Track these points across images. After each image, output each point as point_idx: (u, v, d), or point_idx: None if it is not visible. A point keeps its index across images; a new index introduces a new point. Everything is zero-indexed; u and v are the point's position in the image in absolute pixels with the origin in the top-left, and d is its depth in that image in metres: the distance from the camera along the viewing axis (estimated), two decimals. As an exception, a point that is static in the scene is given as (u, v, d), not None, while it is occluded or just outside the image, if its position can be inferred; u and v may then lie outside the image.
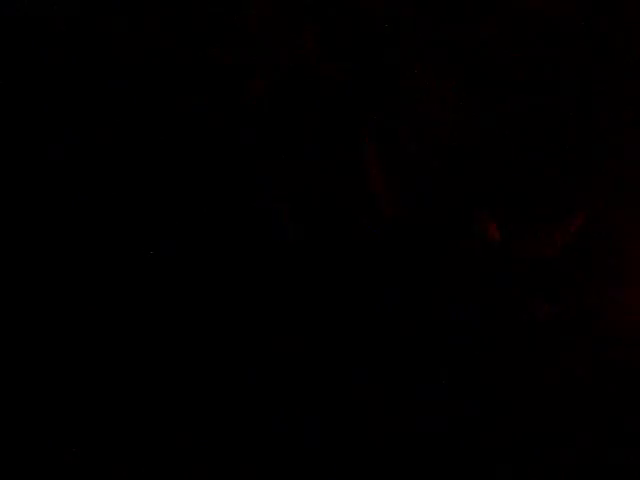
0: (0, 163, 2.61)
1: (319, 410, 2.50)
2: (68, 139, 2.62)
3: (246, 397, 2.51)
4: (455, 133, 2.62)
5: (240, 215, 2.60)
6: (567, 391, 2.49)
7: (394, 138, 2.63)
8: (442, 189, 2.61)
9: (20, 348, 2.52)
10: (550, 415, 2.48)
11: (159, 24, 2.65)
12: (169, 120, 2.62)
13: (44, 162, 2.62)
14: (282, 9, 2.65)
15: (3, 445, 2.45)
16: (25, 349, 2.52)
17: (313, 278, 2.58)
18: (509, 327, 2.53)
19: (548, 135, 2.61)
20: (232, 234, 2.60)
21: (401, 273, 2.58)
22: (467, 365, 2.52)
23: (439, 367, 2.52)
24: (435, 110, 2.63)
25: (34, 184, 2.62)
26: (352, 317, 2.55)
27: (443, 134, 2.63)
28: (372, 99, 2.63)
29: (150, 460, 2.46)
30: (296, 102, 2.63)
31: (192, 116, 2.62)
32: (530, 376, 2.51)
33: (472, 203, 2.60)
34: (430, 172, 2.62)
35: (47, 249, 2.58)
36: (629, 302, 2.53)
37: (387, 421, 2.49)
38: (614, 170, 2.60)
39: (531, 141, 2.62)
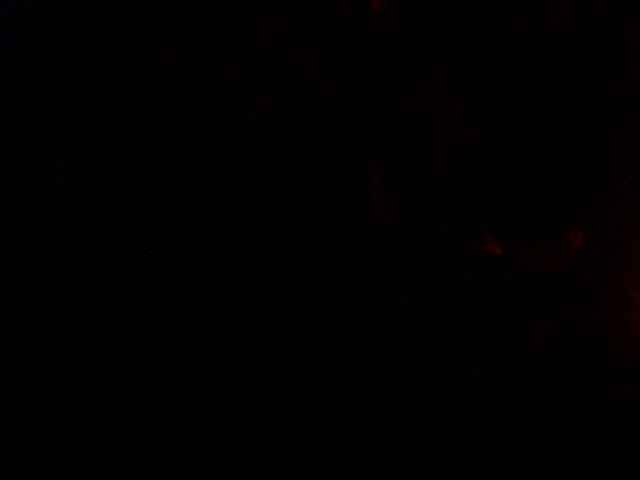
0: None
1: (314, 412, 2.52)
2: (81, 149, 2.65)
3: (246, 399, 2.53)
4: (455, 147, 2.63)
5: (240, 222, 2.61)
6: (567, 406, 2.50)
7: (394, 150, 2.64)
8: (441, 203, 2.62)
9: (20, 348, 2.53)
10: (554, 433, 2.49)
11: (164, 37, 2.67)
12: (171, 130, 2.64)
13: (45, 160, 2.64)
14: (284, 24, 2.67)
15: (3, 445, 2.46)
16: (25, 348, 2.53)
17: (311, 283, 2.59)
18: (509, 343, 2.54)
19: (549, 149, 2.62)
20: (232, 240, 2.61)
21: (399, 283, 2.59)
22: (467, 377, 2.52)
23: (439, 375, 2.53)
24: (435, 123, 2.64)
25: (34, 183, 2.63)
26: (349, 324, 2.56)
27: (443, 147, 2.64)
28: (372, 111, 2.65)
29: (150, 460, 2.47)
30: (297, 114, 2.64)
31: (194, 127, 2.64)
32: (531, 393, 2.52)
33: (472, 217, 2.61)
34: (429, 185, 2.63)
35: (47, 248, 2.59)
36: (631, 318, 2.54)
37: (386, 425, 2.51)
38: (615, 185, 2.61)
39: (532, 155, 2.62)
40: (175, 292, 2.58)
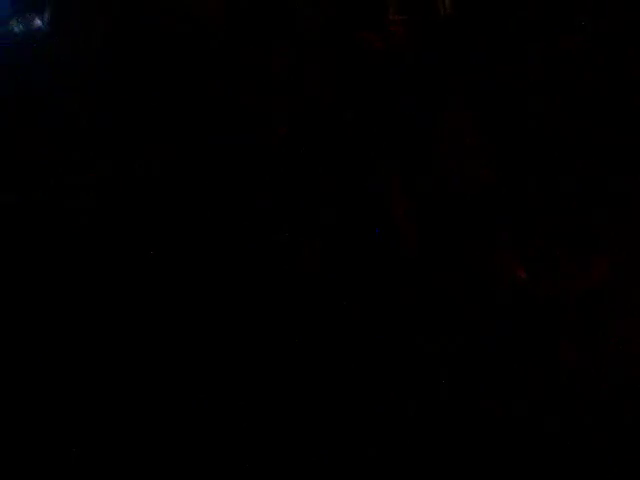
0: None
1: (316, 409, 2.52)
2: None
3: (245, 399, 2.53)
4: (481, 174, 2.61)
5: (260, 251, 2.61)
6: (589, 439, 2.45)
7: (419, 180, 2.62)
8: (466, 228, 2.61)
9: (20, 347, 2.54)
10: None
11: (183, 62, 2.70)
12: (191, 158, 2.65)
13: (46, 160, 2.65)
14: (305, 55, 2.67)
15: (3, 445, 2.47)
16: (25, 348, 2.54)
17: (332, 314, 2.58)
18: (533, 370, 2.51)
19: (574, 176, 2.60)
20: (253, 268, 2.61)
21: (422, 309, 2.58)
22: (487, 409, 2.51)
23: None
24: (459, 152, 2.62)
25: (34, 183, 2.64)
26: (359, 329, 2.56)
27: (468, 175, 2.62)
28: (396, 144, 2.64)
29: (150, 460, 2.47)
30: (318, 146, 2.64)
31: (214, 158, 2.65)
32: (553, 421, 2.48)
33: (498, 243, 2.59)
34: (454, 210, 2.61)
35: (48, 248, 2.60)
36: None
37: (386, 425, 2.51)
38: None
39: (557, 182, 2.60)
40: (177, 294, 2.59)
